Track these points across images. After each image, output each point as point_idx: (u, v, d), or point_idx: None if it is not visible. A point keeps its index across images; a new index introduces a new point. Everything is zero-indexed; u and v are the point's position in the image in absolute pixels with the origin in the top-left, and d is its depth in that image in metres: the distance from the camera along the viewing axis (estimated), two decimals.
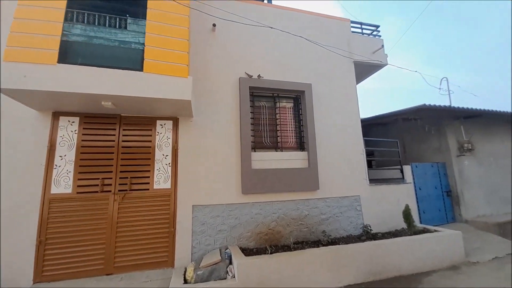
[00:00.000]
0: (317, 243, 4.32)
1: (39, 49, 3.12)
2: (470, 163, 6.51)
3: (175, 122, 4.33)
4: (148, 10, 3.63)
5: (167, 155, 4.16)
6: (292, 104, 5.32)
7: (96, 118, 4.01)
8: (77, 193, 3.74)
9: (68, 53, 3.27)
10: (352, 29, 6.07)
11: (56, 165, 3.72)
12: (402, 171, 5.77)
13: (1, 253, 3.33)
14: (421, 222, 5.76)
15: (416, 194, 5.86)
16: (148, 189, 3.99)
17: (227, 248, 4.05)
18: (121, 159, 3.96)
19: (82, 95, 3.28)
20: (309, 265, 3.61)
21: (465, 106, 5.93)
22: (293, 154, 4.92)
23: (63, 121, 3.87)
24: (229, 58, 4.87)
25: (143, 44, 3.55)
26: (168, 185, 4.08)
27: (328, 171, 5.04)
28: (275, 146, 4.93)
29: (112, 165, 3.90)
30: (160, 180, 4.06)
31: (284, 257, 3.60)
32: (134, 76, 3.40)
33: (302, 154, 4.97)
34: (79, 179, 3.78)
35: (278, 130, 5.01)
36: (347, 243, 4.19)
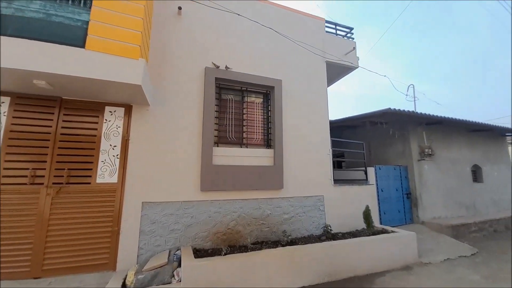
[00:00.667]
0: (276, 243, 4.18)
1: None
2: (430, 167, 6.83)
3: (128, 109, 3.92)
4: None
5: (115, 146, 3.74)
6: (261, 100, 5.13)
7: (30, 100, 3.47)
8: (1, 184, 3.20)
9: None
10: (327, 29, 6.02)
11: None
12: (366, 173, 5.86)
13: None
14: (381, 223, 5.90)
15: (378, 195, 5.99)
16: (89, 183, 3.54)
17: (179, 249, 3.75)
18: (59, 147, 3.47)
19: (9, 71, 2.78)
20: (264, 266, 3.44)
21: (427, 113, 6.18)
22: (259, 151, 4.74)
23: None
24: (195, 45, 4.54)
25: (88, 18, 3.11)
26: (114, 179, 3.66)
27: (293, 170, 4.93)
28: (240, 142, 4.70)
29: (47, 154, 3.40)
30: (105, 173, 3.63)
31: (238, 259, 3.39)
32: (74, 53, 2.96)
33: (268, 152, 4.80)
34: (4, 169, 3.24)
35: (245, 126, 4.79)
36: (306, 243, 4.10)
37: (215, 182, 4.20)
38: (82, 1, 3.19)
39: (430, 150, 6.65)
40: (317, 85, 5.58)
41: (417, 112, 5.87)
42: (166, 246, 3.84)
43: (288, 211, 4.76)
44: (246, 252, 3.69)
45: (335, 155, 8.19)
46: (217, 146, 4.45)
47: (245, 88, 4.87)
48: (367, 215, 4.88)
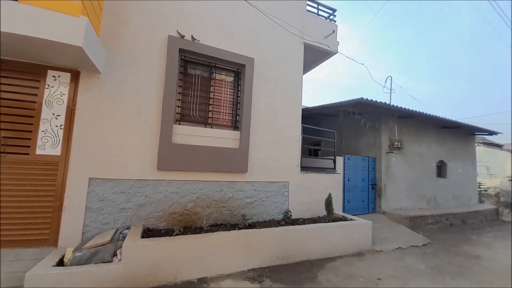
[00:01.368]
0: (234, 226, 4.14)
1: None
2: (397, 160, 7.01)
3: (75, 76, 3.52)
4: None
5: (59, 115, 3.39)
6: (232, 78, 4.85)
7: None
8: None
9: None
10: (308, 8, 5.70)
11: None
12: (334, 162, 5.88)
13: None
14: (344, 211, 6.05)
15: (344, 184, 6.09)
16: (28, 154, 3.22)
17: (128, 228, 3.60)
18: None
19: None
20: (215, 248, 3.39)
21: (399, 106, 6.20)
22: (225, 132, 4.54)
23: None
24: (158, 9, 4.10)
25: None
26: (57, 151, 3.35)
27: (260, 154, 4.81)
28: (205, 121, 4.47)
29: None
30: (47, 144, 3.31)
31: (188, 240, 3.30)
32: (5, 6, 2.55)
33: (234, 134, 4.62)
34: None
35: (211, 105, 4.53)
36: (264, 227, 4.11)
37: (174, 162, 4.00)
38: None
39: (399, 143, 6.78)
40: (293, 68, 5.35)
41: (388, 104, 5.86)
42: (115, 224, 3.67)
43: (251, 195, 4.71)
44: (200, 233, 3.62)
45: (312, 143, 8.23)
46: (179, 124, 4.20)
47: (213, 64, 4.55)
48: (328, 202, 4.94)
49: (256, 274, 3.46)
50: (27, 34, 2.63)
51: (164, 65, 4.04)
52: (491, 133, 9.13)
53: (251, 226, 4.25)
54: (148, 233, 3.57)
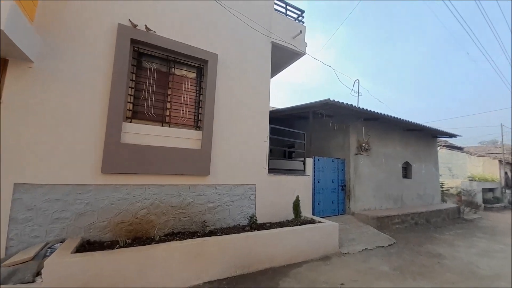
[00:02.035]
0: (194, 234, 3.80)
1: None
2: (365, 161, 7.12)
3: (1, 64, 3.00)
4: None
5: None
6: (194, 75, 4.55)
7: None
8: None
9: None
10: (276, 7, 5.61)
11: None
12: (304, 163, 5.78)
13: None
14: (314, 213, 5.95)
15: (314, 186, 6.00)
16: None
17: (62, 242, 3.11)
18: None
19: None
20: (165, 261, 3.01)
21: (365, 108, 6.30)
22: (185, 132, 4.20)
23: None
24: None
25: None
26: None
27: (224, 155, 4.53)
28: (162, 119, 4.10)
29: None
30: None
31: (132, 253, 2.90)
32: None
33: (195, 133, 4.29)
34: None
35: (169, 102, 4.18)
36: (226, 234, 3.83)
37: (123, 164, 3.57)
38: None
39: (367, 145, 6.90)
40: (260, 66, 5.19)
41: (354, 106, 5.92)
42: (47, 237, 3.15)
43: (214, 200, 4.39)
44: (151, 244, 3.23)
45: (286, 145, 8.13)
46: (130, 122, 3.79)
47: (172, 58, 4.22)
48: (296, 205, 4.79)
49: (212, 287, 3.14)
50: None
51: (113, 56, 3.63)
52: (451, 135, 9.73)
53: (212, 233, 3.93)
54: (86, 246, 3.11)
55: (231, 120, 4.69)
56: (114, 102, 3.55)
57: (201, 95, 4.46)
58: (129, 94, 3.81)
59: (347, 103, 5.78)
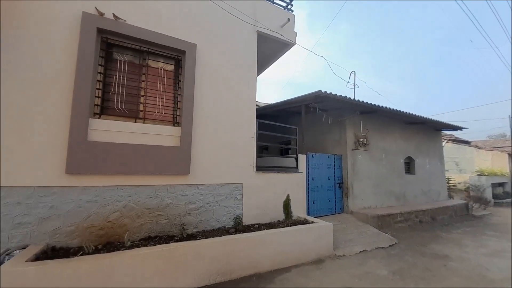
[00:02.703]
0: (172, 238, 3.50)
1: None
2: (363, 157, 6.72)
3: None
4: None
5: None
6: (172, 67, 4.24)
7: None
8: None
9: None
10: None
11: None
12: (297, 160, 5.42)
13: None
14: (309, 212, 5.59)
15: (308, 184, 5.64)
16: None
17: (24, 248, 2.83)
18: None
19: None
20: (129, 269, 2.70)
21: (362, 100, 5.90)
22: (162, 128, 3.90)
23: None
24: None
25: None
26: None
27: (206, 153, 4.21)
28: (136, 115, 3.81)
29: None
30: None
31: (94, 261, 2.60)
32: None
33: (173, 130, 3.99)
34: None
35: (143, 96, 3.89)
36: (209, 237, 3.52)
37: (91, 164, 3.28)
38: None
39: (365, 139, 6.50)
40: (245, 57, 4.86)
41: (349, 98, 5.53)
42: (10, 243, 2.88)
43: (196, 200, 4.07)
44: (120, 250, 2.94)
45: (282, 142, 7.78)
46: (98, 118, 3.50)
47: (146, 49, 3.92)
48: (286, 205, 4.45)
49: None
50: None
51: (77, 46, 3.35)
52: (455, 128, 9.23)
53: (192, 236, 3.64)
54: (48, 253, 2.83)
55: (214, 114, 4.38)
56: (78, 97, 3.26)
57: (179, 89, 4.16)
58: (97, 88, 3.53)
59: (340, 95, 5.40)
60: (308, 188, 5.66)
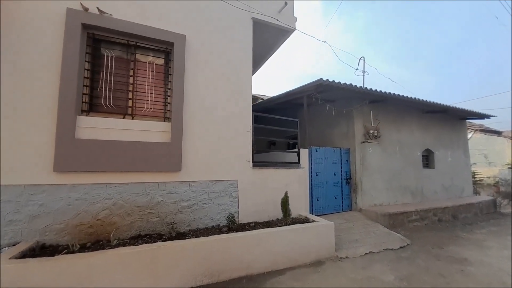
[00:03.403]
0: (161, 237, 3.42)
1: None
2: (374, 150, 6.23)
3: None
4: None
5: None
6: (163, 61, 4.11)
7: None
8: None
9: None
10: None
11: None
12: (298, 155, 5.11)
13: None
14: (312, 210, 5.29)
15: (311, 180, 5.33)
16: None
17: (14, 245, 2.88)
18: None
19: None
20: (110, 269, 2.64)
21: (371, 88, 5.40)
22: (150, 124, 3.79)
23: None
24: None
25: None
26: None
27: (198, 148, 4.06)
28: (125, 111, 3.73)
29: None
30: None
31: (70, 261, 2.56)
32: None
33: (163, 125, 3.87)
34: None
35: (132, 91, 3.79)
36: (201, 235, 3.42)
37: (79, 161, 3.26)
38: None
39: (376, 131, 6.00)
40: (239, 46, 4.60)
41: (355, 86, 5.06)
42: (2, 240, 2.94)
43: (188, 198, 3.95)
44: (105, 249, 2.89)
45: (290, 136, 7.46)
46: (87, 115, 3.46)
47: (133, 43, 3.81)
48: (284, 202, 4.21)
49: None
50: None
51: (62, 43, 3.30)
52: (481, 116, 8.30)
53: (183, 235, 3.54)
54: (36, 251, 2.87)
55: (206, 108, 4.19)
56: (64, 95, 3.22)
57: (169, 83, 4.01)
58: (84, 85, 3.48)
59: (344, 83, 4.96)
60: (311, 184, 5.35)
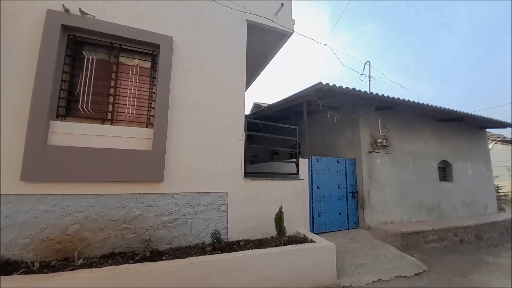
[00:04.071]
0: (135, 256, 3.04)
1: None
2: (383, 161, 5.66)
3: None
4: None
5: None
6: (149, 64, 3.89)
7: None
8: None
9: None
10: None
11: None
12: (297, 165, 4.67)
13: None
14: (313, 227, 4.76)
15: (312, 193, 4.83)
16: None
17: None
18: None
19: None
20: None
21: (377, 93, 4.94)
22: (132, 130, 3.52)
23: None
24: None
25: None
26: None
27: (183, 157, 3.73)
28: (104, 117, 3.48)
29: None
30: None
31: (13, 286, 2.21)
32: None
33: (145, 132, 3.59)
34: None
35: (112, 95, 3.55)
36: (180, 255, 3.05)
37: (50, 170, 2.99)
38: None
39: (385, 140, 5.47)
40: (232, 49, 4.33)
41: (359, 91, 4.62)
42: None
43: (170, 212, 3.58)
44: (65, 271, 2.55)
45: (292, 145, 7.04)
46: (61, 120, 3.23)
47: (117, 45, 3.61)
48: (278, 219, 3.75)
49: None
50: None
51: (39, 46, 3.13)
52: (503, 125, 7.55)
53: (160, 254, 3.15)
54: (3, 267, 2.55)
55: (194, 114, 3.89)
56: (37, 98, 3.01)
57: (154, 87, 3.76)
58: (62, 89, 3.27)
59: (346, 87, 4.55)
60: (311, 198, 4.85)
